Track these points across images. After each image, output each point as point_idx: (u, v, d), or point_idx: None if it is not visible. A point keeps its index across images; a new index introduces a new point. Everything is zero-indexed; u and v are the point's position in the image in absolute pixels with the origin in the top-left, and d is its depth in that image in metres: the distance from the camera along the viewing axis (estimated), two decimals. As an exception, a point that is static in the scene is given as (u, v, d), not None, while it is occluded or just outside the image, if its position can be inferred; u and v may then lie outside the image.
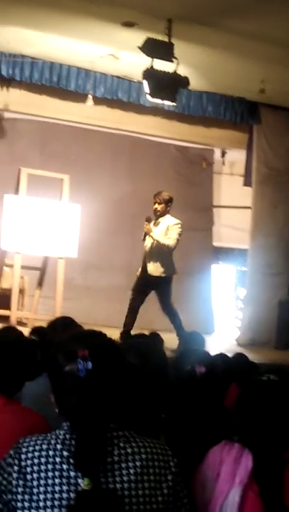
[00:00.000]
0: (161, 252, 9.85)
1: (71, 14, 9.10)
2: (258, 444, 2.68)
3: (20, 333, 3.99)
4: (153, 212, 9.95)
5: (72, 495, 2.13)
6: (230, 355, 6.48)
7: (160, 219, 9.99)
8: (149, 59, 9.12)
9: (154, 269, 9.94)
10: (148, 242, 9.94)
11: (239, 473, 2.62)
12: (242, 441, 2.73)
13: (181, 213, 13.31)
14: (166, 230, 9.89)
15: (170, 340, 6.13)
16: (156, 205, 9.99)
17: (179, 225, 9.93)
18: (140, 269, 10.05)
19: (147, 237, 9.93)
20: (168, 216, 10.02)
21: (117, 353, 2.40)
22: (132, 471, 2.21)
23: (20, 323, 10.37)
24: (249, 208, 13.10)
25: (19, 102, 11.74)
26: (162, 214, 10.01)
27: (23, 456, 2.21)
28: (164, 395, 3.61)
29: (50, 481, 2.15)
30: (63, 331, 4.28)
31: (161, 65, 9.22)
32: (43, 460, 2.19)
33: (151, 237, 9.82)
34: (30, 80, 11.18)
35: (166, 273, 9.97)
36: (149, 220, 9.94)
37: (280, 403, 2.75)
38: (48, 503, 2.13)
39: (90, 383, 2.23)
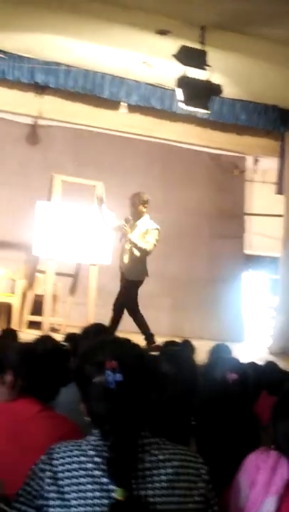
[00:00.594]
0: (136, 255, 9.64)
1: (106, 22, 9.15)
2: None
3: (57, 342, 4.02)
4: (130, 214, 9.78)
5: (104, 501, 2.13)
6: (261, 363, 6.46)
7: (138, 221, 9.74)
8: (183, 67, 9.14)
9: (129, 272, 9.72)
10: (125, 245, 9.70)
11: (275, 482, 2.59)
12: (279, 449, 2.72)
13: (212, 221, 13.37)
14: (145, 233, 9.64)
15: (201, 348, 6.11)
16: (135, 208, 9.74)
17: (158, 231, 9.71)
18: (120, 272, 9.84)
19: (125, 239, 9.70)
20: (146, 218, 9.78)
21: (145, 361, 2.40)
22: (163, 478, 2.21)
23: (52, 329, 10.42)
24: (281, 215, 13.04)
25: (53, 109, 11.83)
26: (140, 215, 9.77)
27: (55, 462, 2.22)
28: (194, 401, 3.62)
29: (82, 487, 2.16)
30: (96, 338, 4.29)
31: (195, 73, 9.23)
32: (75, 466, 2.20)
33: (129, 239, 9.59)
34: (64, 87, 11.27)
35: (139, 277, 9.78)
36: (127, 221, 9.70)
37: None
38: (81, 509, 2.13)
39: (120, 394, 2.23)
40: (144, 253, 9.63)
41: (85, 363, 2.34)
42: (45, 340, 3.98)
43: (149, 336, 9.65)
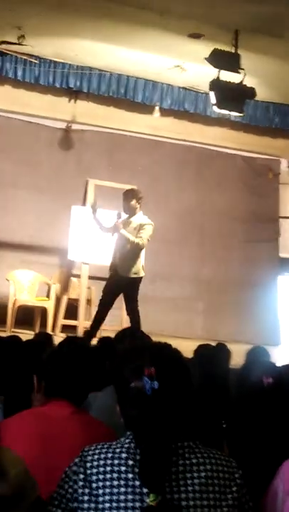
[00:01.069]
0: (132, 252, 9.35)
1: (138, 26, 9.18)
2: None
3: (86, 341, 4.02)
4: (123, 210, 9.64)
5: (137, 504, 2.12)
6: None
7: (132, 217, 9.44)
8: (216, 70, 9.13)
9: (126, 270, 9.40)
10: (119, 241, 9.41)
11: None
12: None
13: (246, 224, 13.32)
14: (138, 229, 9.34)
15: (237, 351, 6.08)
16: (128, 202, 9.43)
17: (152, 226, 9.39)
18: (110, 270, 9.54)
19: (117, 235, 9.42)
20: (140, 214, 9.50)
21: (183, 368, 2.39)
22: (196, 481, 2.19)
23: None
24: (317, 218, 12.98)
25: (86, 113, 11.89)
26: (134, 212, 9.46)
27: (88, 465, 2.22)
28: (226, 405, 3.61)
29: (115, 490, 2.15)
30: (130, 342, 4.30)
31: (228, 76, 9.22)
32: (108, 469, 2.19)
33: (122, 234, 9.30)
34: (97, 91, 11.34)
35: (137, 274, 9.51)
36: (119, 217, 9.43)
37: None
38: (113, 512, 2.14)
39: (156, 401, 2.22)
40: (137, 248, 9.32)
41: (124, 366, 2.33)
42: (74, 340, 3.96)
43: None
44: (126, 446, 2.25)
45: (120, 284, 9.38)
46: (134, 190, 9.51)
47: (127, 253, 9.28)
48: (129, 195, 9.37)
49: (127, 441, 2.27)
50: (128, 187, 10.70)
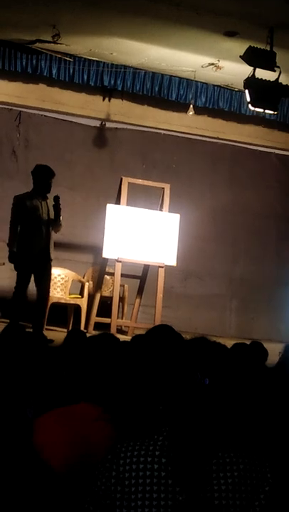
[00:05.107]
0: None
1: (173, 24, 9.16)
2: None
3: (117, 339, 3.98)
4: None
5: (170, 502, 2.12)
6: None
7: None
8: (251, 68, 9.09)
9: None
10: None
11: None
12: None
13: (281, 222, 13.26)
14: None
15: (271, 350, 6.06)
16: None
17: None
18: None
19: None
20: None
21: (233, 370, 2.38)
22: (229, 480, 2.18)
23: (120, 331, 10.46)
24: None
25: (121, 111, 11.91)
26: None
27: (121, 462, 2.22)
28: (262, 404, 3.59)
29: (148, 488, 2.15)
30: (162, 340, 4.29)
31: (263, 74, 9.17)
32: (141, 466, 2.19)
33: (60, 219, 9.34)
34: (131, 90, 11.34)
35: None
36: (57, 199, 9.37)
37: None
38: (146, 510, 2.13)
39: (203, 397, 2.22)
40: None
41: (176, 358, 2.33)
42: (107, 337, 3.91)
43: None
44: (160, 443, 2.24)
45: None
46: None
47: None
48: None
49: (161, 438, 2.26)
50: (160, 185, 10.72)
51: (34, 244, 9.18)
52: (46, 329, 9.57)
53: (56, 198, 9.27)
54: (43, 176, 9.29)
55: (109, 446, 2.36)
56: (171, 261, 10.51)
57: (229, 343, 4.06)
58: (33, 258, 9.16)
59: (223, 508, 2.15)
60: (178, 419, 2.24)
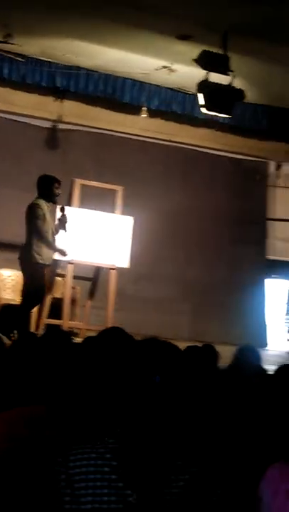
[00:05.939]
0: None
1: (126, 27, 9.15)
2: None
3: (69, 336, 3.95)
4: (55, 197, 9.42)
5: (120, 506, 2.09)
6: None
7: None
8: (204, 71, 9.12)
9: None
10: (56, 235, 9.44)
11: None
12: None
13: (234, 226, 13.33)
14: None
15: (224, 353, 6.07)
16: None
17: None
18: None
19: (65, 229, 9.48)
20: None
21: (185, 370, 2.37)
22: (181, 484, 2.16)
23: (71, 333, 10.41)
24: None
25: (73, 113, 11.86)
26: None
27: (71, 464, 2.18)
28: (214, 407, 3.58)
29: (98, 491, 2.12)
30: (114, 342, 4.28)
31: (217, 78, 9.21)
32: (91, 469, 2.15)
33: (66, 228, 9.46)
34: (84, 91, 11.31)
35: None
36: (63, 210, 9.50)
37: None
38: (95, 512, 2.11)
39: (155, 396, 2.20)
40: None
41: (127, 357, 2.30)
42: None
43: None
44: (110, 446, 2.21)
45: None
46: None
47: None
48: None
49: (112, 441, 2.23)
50: (113, 187, 10.70)
51: (47, 254, 9.20)
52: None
53: (62, 209, 9.39)
54: (49, 185, 9.25)
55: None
56: (124, 263, 10.49)
57: (182, 345, 4.05)
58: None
59: (175, 511, 2.13)
60: (129, 421, 2.23)
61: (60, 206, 9.43)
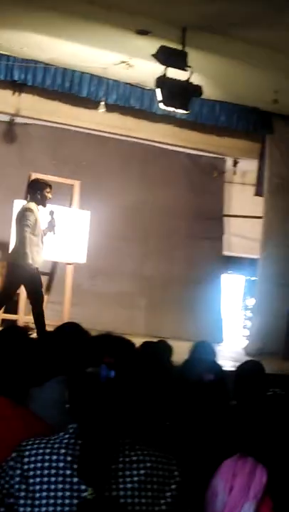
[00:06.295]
0: None
1: (85, 21, 9.11)
2: (269, 458, 2.65)
3: (25, 332, 3.92)
4: (36, 201, 9.50)
5: (74, 501, 2.09)
6: (238, 364, 6.42)
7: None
8: (163, 67, 9.12)
9: None
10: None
11: (253, 488, 2.59)
12: (253, 455, 2.71)
13: (190, 222, 13.37)
14: None
15: (179, 348, 6.09)
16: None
17: None
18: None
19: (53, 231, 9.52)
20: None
21: (140, 365, 2.37)
22: (135, 478, 2.17)
23: (28, 328, 10.35)
24: (260, 217, 13.08)
25: (31, 107, 11.77)
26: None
27: (25, 460, 2.18)
28: (170, 402, 3.59)
29: (52, 486, 2.12)
30: (70, 337, 4.27)
31: (175, 74, 9.21)
32: (46, 464, 2.15)
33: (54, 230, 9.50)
34: (42, 85, 11.20)
35: None
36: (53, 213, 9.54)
37: (287, 418, 2.73)
38: (50, 509, 2.09)
39: (108, 390, 2.20)
40: None
41: (82, 352, 2.30)
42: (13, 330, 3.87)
43: None
44: (65, 441, 2.21)
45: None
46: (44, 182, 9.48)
47: None
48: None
49: (67, 436, 2.23)
50: (70, 182, 10.68)
51: (39, 256, 9.16)
52: None
53: (52, 213, 9.37)
54: (41, 189, 9.22)
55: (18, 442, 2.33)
56: (81, 258, 10.49)
57: (138, 341, 4.06)
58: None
59: (129, 506, 2.13)
60: (84, 416, 2.22)
61: (50, 210, 9.39)
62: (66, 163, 12.33)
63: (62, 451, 2.18)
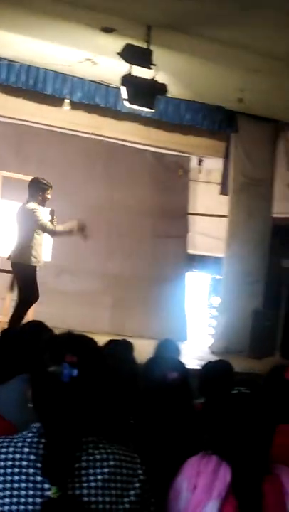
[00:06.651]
0: None
1: (50, 17, 9.05)
2: (234, 457, 2.65)
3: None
4: (38, 202, 9.59)
5: (38, 500, 2.10)
6: (203, 362, 6.44)
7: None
8: (128, 65, 9.10)
9: None
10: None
11: (217, 486, 2.59)
12: (217, 454, 2.71)
13: (155, 220, 13.39)
14: None
15: (143, 347, 6.08)
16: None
17: None
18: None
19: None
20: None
21: (103, 363, 2.36)
22: (99, 477, 2.17)
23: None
24: (225, 216, 13.12)
25: (-5, 104, 11.69)
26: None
27: (-13, 459, 2.18)
28: (134, 401, 3.59)
29: (16, 485, 2.12)
30: (34, 335, 4.25)
31: (140, 72, 9.20)
32: (9, 463, 2.15)
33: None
34: (6, 82, 11.12)
35: None
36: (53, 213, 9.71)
37: (252, 416, 2.74)
38: (14, 508, 2.09)
39: (71, 389, 2.19)
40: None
41: (45, 352, 2.29)
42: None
43: None
44: (28, 440, 2.21)
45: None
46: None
47: None
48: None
49: (30, 435, 2.23)
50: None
51: (42, 255, 9.56)
52: None
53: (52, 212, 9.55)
54: (43, 190, 9.54)
55: None
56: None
57: (103, 339, 4.06)
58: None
59: (93, 505, 2.13)
60: (47, 415, 2.22)
61: (50, 209, 9.56)
62: (30, 161, 12.28)
63: (26, 450, 2.18)
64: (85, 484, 2.14)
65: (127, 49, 8.93)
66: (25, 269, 9.42)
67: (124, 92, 9.45)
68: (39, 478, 2.12)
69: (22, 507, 2.09)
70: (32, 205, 9.37)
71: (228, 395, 2.82)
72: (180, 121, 12.32)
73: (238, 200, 12.98)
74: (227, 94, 11.40)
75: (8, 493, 2.11)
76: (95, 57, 10.36)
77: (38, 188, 9.45)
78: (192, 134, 13.05)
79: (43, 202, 9.48)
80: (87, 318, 11.89)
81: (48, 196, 9.49)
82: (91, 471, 2.18)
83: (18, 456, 2.17)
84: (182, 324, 13.69)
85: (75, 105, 11.56)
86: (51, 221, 9.46)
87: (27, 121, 12.23)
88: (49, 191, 9.51)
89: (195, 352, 11.62)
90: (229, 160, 13.10)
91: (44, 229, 9.37)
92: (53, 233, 9.52)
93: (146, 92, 9.45)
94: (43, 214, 9.33)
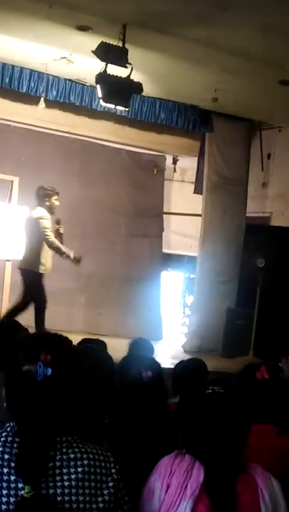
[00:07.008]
0: None
1: (25, 15, 9.01)
2: (207, 456, 2.66)
3: None
4: (46, 208, 9.91)
5: (12, 499, 2.09)
6: (176, 361, 6.45)
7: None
8: (103, 63, 9.09)
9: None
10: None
11: (190, 486, 2.59)
12: (191, 453, 2.71)
13: (130, 219, 13.38)
14: None
15: (118, 346, 6.09)
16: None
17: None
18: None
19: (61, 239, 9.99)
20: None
21: (78, 362, 2.36)
22: (73, 476, 2.17)
23: None
24: (199, 215, 13.14)
25: None
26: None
27: None
28: (109, 400, 3.59)
29: (-12, 485, 2.11)
30: (7, 334, 4.24)
31: (115, 70, 9.19)
32: None
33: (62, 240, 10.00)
34: (-20, 80, 11.07)
35: None
36: (60, 222, 10.07)
37: (227, 416, 2.75)
38: (-13, 507, 2.09)
39: (45, 388, 2.19)
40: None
41: (20, 349, 2.29)
42: None
43: None
44: (2, 439, 2.20)
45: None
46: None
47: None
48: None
49: (4, 434, 2.22)
50: (9, 178, 10.59)
51: (50, 264, 9.93)
52: None
53: (59, 222, 9.89)
54: (50, 197, 9.88)
55: None
56: (19, 255, 10.40)
57: (77, 338, 4.05)
58: None
59: (67, 504, 2.13)
60: (21, 414, 2.22)
61: (57, 219, 9.89)
62: (5, 159, 12.22)
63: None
64: (58, 483, 2.14)
65: (102, 47, 8.92)
66: (33, 275, 9.71)
67: (99, 91, 9.44)
68: (13, 478, 2.11)
69: (-5, 506, 2.09)
70: (38, 212, 9.65)
71: (202, 394, 2.82)
72: (155, 120, 12.32)
73: (212, 199, 13.01)
74: (202, 93, 11.42)
75: (-18, 493, 2.10)
76: (71, 55, 10.33)
77: (43, 195, 9.72)
78: (167, 132, 13.08)
79: (50, 208, 9.63)
80: (61, 317, 11.85)
81: (56, 202, 9.76)
82: (65, 470, 2.18)
83: (-9, 455, 2.16)
84: (157, 323, 13.69)
85: (50, 103, 11.53)
86: (58, 230, 9.76)
87: (2, 119, 12.20)
88: (55, 197, 9.70)
89: (168, 351, 11.64)
90: (203, 159, 13.13)
91: (45, 239, 9.60)
92: (50, 245, 9.66)
93: (121, 90, 9.44)
94: (49, 223, 9.55)
